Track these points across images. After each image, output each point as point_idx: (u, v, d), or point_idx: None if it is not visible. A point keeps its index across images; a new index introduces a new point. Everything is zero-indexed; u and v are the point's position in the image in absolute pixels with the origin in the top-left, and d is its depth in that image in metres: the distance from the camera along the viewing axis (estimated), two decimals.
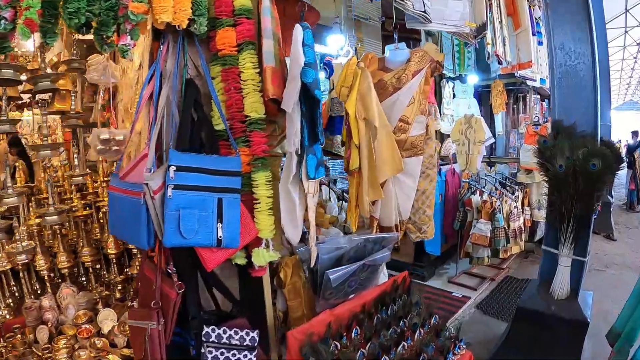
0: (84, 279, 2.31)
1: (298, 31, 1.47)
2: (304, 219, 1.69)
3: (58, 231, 2.22)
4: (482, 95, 5.48)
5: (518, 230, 3.97)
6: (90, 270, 2.25)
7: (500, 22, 3.22)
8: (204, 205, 1.32)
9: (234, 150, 1.45)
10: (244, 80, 1.45)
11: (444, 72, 4.27)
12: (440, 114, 4.33)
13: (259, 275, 1.54)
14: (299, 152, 1.53)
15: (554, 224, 2.41)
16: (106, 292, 2.27)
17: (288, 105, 1.45)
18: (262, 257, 1.46)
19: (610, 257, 5.04)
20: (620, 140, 12.87)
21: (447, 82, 4.38)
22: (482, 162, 5.06)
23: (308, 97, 1.48)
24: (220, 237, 1.33)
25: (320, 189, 2.61)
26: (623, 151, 8.32)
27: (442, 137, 4.39)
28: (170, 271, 1.42)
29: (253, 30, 1.48)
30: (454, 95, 4.67)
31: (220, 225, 1.34)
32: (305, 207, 1.63)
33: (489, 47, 2.78)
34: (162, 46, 1.44)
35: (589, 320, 2.25)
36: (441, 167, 4.03)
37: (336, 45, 3.09)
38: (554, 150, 2.30)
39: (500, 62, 3.28)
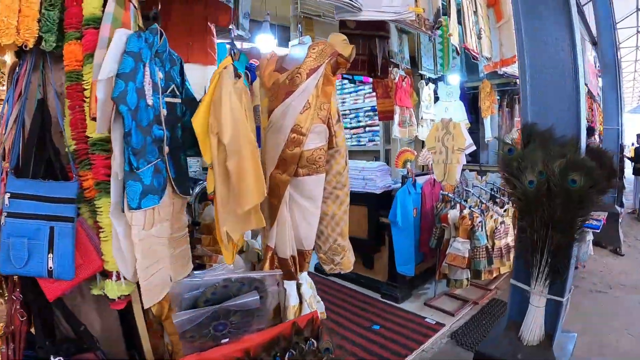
0: None
1: (117, 37, 1.18)
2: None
3: None
4: (473, 98, 4.89)
5: (505, 249, 3.38)
6: None
7: (475, 12, 2.67)
8: (36, 234, 1.26)
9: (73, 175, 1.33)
10: (87, 97, 1.27)
11: (423, 72, 3.72)
12: (419, 119, 3.78)
13: (117, 308, 1.42)
14: (120, 177, 1.24)
15: (525, 256, 1.85)
16: None
17: (100, 125, 1.17)
18: (112, 290, 1.33)
19: (615, 276, 4.36)
20: (633, 144, 11.88)
21: (427, 83, 3.83)
22: (472, 171, 4.48)
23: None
24: (50, 267, 1.27)
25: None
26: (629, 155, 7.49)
27: (422, 144, 3.85)
28: (14, 297, 1.38)
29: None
30: (437, 98, 4.12)
31: (51, 255, 1.27)
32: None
33: (451, 39, 2.24)
34: (19, 67, 1.38)
35: None
36: (417, 177, 3.48)
37: (265, 45, 2.62)
38: (522, 162, 1.75)
39: (474, 58, 2.73)
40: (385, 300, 3.61)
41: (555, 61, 1.79)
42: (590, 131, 7.07)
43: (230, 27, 2.80)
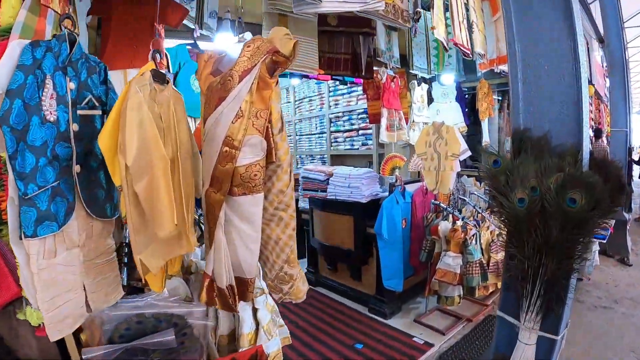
0: None
1: (10, 49, 1.04)
2: None
3: None
4: (472, 99, 4.55)
5: (502, 263, 3.05)
6: None
7: (467, 4, 2.36)
8: None
9: None
10: None
11: (415, 71, 3.41)
12: (410, 122, 3.47)
13: (42, 335, 1.29)
14: (16, 203, 1.10)
15: (514, 286, 1.55)
16: None
17: None
18: (31, 316, 1.27)
19: (622, 289, 3.98)
20: None
21: (420, 83, 3.51)
22: (470, 177, 4.14)
23: None
24: None
25: None
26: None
27: (412, 149, 3.53)
28: None
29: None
30: (432, 100, 3.80)
31: None
32: None
33: (435, 33, 1.93)
34: None
35: None
36: (407, 185, 3.18)
37: (224, 44, 2.34)
38: (511, 177, 1.44)
39: (465, 55, 2.42)
40: (373, 316, 3.31)
41: (552, 54, 1.47)
42: (598, 133, 6.66)
43: (225, 19, 2.54)
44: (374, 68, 3.12)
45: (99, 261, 1.34)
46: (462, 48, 2.26)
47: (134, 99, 1.11)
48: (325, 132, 5.02)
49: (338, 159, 4.94)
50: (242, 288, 1.38)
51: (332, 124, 4.93)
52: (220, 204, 1.27)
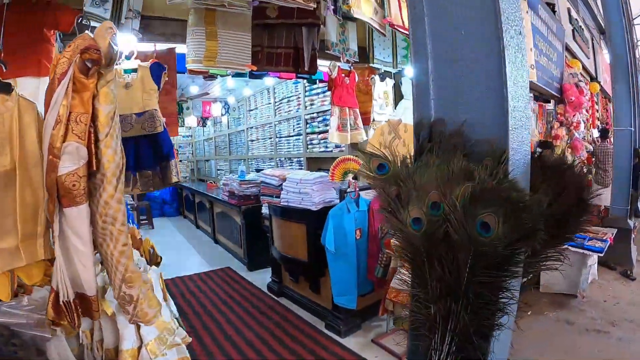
0: None
1: None
2: None
3: None
4: None
5: None
6: None
7: None
8: None
9: None
10: None
11: (376, 66, 2.95)
12: (371, 121, 3.01)
13: None
14: None
15: (422, 335, 1.08)
16: None
17: None
18: None
19: (621, 309, 3.35)
20: None
21: (383, 79, 3.04)
22: None
23: None
24: None
25: None
26: None
27: None
28: None
29: None
30: (402, 96, 3.31)
31: None
32: None
33: (354, 12, 1.49)
34: None
35: None
36: (363, 192, 2.72)
37: (126, 47, 2.07)
38: (404, 187, 0.99)
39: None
40: (328, 332, 2.86)
41: (468, 27, 1.00)
42: (604, 134, 5.93)
43: (126, 18, 2.25)
44: (327, 62, 2.69)
45: None
46: (402, 31, 1.80)
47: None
48: (302, 134, 4.60)
49: (315, 162, 4.51)
50: (86, 305, 1.28)
51: (308, 125, 4.50)
52: (52, 216, 1.18)
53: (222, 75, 2.80)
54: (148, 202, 6.72)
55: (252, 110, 6.04)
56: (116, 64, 2.28)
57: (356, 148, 3.04)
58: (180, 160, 8.02)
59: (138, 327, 1.60)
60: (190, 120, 6.54)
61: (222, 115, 6.55)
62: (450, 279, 0.96)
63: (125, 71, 2.04)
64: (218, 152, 7.85)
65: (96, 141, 1.19)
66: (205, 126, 7.73)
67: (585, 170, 1.32)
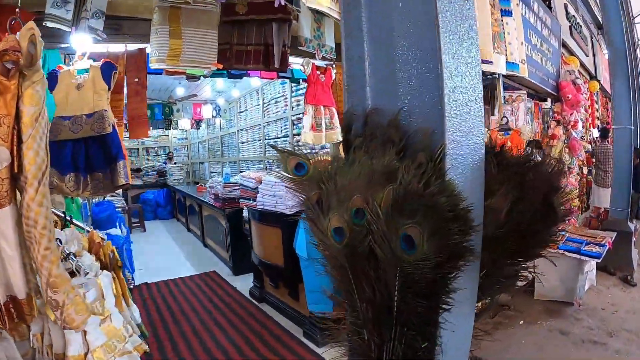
0: None
1: None
2: None
3: None
4: None
5: None
6: None
7: None
8: None
9: None
10: None
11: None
12: None
13: None
14: None
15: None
16: None
17: None
18: None
19: (620, 317, 3.13)
20: None
21: None
22: None
23: None
24: None
25: None
26: None
27: None
28: None
29: None
30: None
31: None
32: None
33: (306, 1, 1.34)
34: None
35: None
36: None
37: (80, 47, 1.98)
38: (326, 191, 0.83)
39: None
40: (306, 341, 2.70)
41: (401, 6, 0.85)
42: (605, 133, 5.69)
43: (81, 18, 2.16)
44: (301, 60, 2.55)
45: None
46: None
47: None
48: (289, 136, 4.46)
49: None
50: (18, 308, 1.27)
51: (294, 127, 4.36)
52: None
53: (199, 75, 2.68)
54: (140, 205, 6.63)
55: (242, 112, 5.93)
56: (70, 65, 2.20)
57: None
58: (175, 163, 7.92)
59: (85, 333, 1.53)
60: (184, 122, 6.45)
61: (213, 117, 6.44)
62: (382, 302, 0.80)
63: (79, 72, 1.92)
64: (211, 155, 7.75)
65: (19, 143, 1.18)
66: (199, 128, 7.64)
67: (560, 167, 1.12)
